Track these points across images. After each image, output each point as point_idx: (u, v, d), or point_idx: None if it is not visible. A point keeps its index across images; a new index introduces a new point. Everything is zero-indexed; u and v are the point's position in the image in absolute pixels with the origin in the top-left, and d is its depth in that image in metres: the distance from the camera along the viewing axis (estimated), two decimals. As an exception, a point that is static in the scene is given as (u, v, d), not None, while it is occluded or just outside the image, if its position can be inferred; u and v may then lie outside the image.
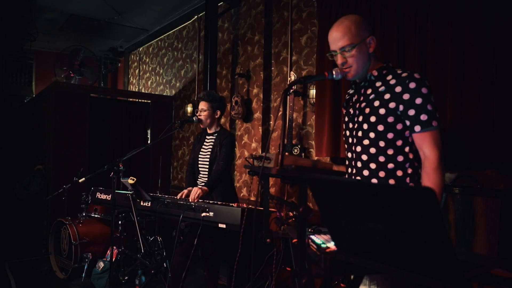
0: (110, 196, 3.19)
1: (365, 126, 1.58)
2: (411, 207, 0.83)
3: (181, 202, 2.64)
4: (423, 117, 1.46)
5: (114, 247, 3.31)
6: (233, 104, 4.29)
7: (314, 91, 3.34)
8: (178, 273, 2.68)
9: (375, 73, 1.61)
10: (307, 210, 1.23)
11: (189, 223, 2.74)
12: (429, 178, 1.44)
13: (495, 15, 2.17)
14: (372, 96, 1.58)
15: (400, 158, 1.54)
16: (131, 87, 7.58)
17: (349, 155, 1.69)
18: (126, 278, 3.57)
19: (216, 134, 2.90)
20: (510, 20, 2.11)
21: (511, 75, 2.11)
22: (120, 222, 3.70)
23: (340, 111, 3.06)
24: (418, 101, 1.46)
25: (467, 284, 0.80)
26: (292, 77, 3.59)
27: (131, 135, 5.51)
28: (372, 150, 1.57)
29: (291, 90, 3.38)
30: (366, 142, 1.59)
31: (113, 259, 3.08)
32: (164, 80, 6.27)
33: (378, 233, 0.92)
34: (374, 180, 1.57)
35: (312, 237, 1.29)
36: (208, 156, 2.86)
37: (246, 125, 4.36)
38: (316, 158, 3.32)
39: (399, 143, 1.54)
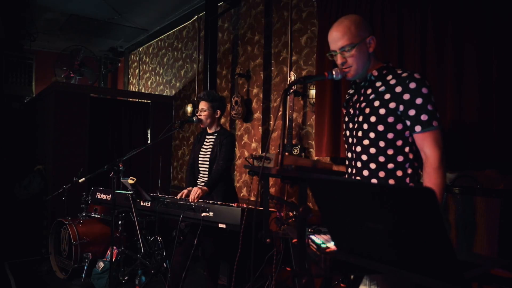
0: (110, 196, 3.19)
1: (365, 126, 1.58)
2: (411, 207, 0.83)
3: (181, 202, 2.64)
4: (424, 117, 1.46)
5: (114, 247, 3.31)
6: (233, 104, 4.29)
7: (314, 91, 3.34)
8: (178, 273, 2.68)
9: (375, 73, 1.61)
10: (307, 210, 1.23)
11: (189, 223, 2.74)
12: (430, 178, 1.44)
13: (495, 15, 2.17)
14: (372, 96, 1.58)
15: (400, 158, 1.54)
16: (131, 87, 7.58)
17: (349, 155, 1.69)
18: (126, 278, 3.57)
19: (216, 134, 2.90)
20: (510, 20, 2.11)
21: (511, 75, 2.11)
22: (120, 222, 3.70)
23: (340, 111, 3.06)
24: (419, 101, 1.46)
25: (467, 284, 0.80)
26: (292, 77, 3.59)
27: (131, 135, 5.51)
28: (372, 150, 1.57)
29: (291, 90, 3.38)
30: (366, 142, 1.59)
31: (113, 259, 3.08)
32: (164, 80, 6.27)
33: (378, 233, 0.92)
34: (374, 180, 1.57)
35: (312, 237, 1.29)
36: (208, 156, 2.86)
37: (246, 125, 4.36)
38: (316, 158, 3.32)
39: (399, 143, 1.53)
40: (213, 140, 2.89)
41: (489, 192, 1.92)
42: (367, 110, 1.57)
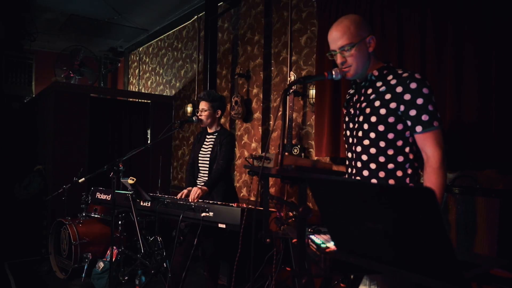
0: (110, 196, 3.19)
1: (366, 126, 1.58)
2: (411, 207, 0.83)
3: (181, 202, 2.64)
4: (425, 117, 1.46)
5: (114, 247, 3.31)
6: (233, 104, 4.29)
7: (314, 91, 3.34)
8: (178, 273, 2.69)
9: (375, 73, 1.61)
10: (307, 210, 1.23)
11: (189, 223, 2.74)
12: (430, 178, 1.44)
13: (495, 15, 2.17)
14: (372, 96, 1.58)
15: (400, 159, 1.54)
16: (131, 87, 7.58)
17: (349, 155, 1.69)
18: (126, 278, 3.57)
19: (216, 134, 2.90)
20: (509, 20, 2.11)
21: (510, 75, 2.12)
22: (120, 222, 3.70)
23: (340, 111, 3.06)
24: (419, 101, 1.46)
25: (467, 284, 0.80)
26: (292, 77, 3.59)
27: (131, 135, 5.51)
28: (372, 150, 1.57)
29: (291, 90, 3.38)
30: (366, 142, 1.59)
31: (113, 259, 3.08)
32: (164, 80, 6.27)
33: (378, 233, 0.93)
34: (374, 180, 1.57)
35: (312, 237, 1.29)
36: (208, 156, 2.86)
37: (246, 125, 4.36)
38: (316, 158, 3.32)
39: (400, 143, 1.54)
40: (213, 139, 2.89)
41: (488, 192, 1.92)
42: (368, 110, 1.57)
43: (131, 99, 5.87)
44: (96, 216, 3.92)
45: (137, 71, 7.31)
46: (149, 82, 6.83)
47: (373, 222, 0.92)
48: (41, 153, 5.18)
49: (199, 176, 2.93)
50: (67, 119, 4.75)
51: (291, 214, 2.64)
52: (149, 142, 5.48)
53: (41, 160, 5.10)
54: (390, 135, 1.53)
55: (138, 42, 7.01)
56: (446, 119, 2.33)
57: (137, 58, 7.31)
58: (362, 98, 1.63)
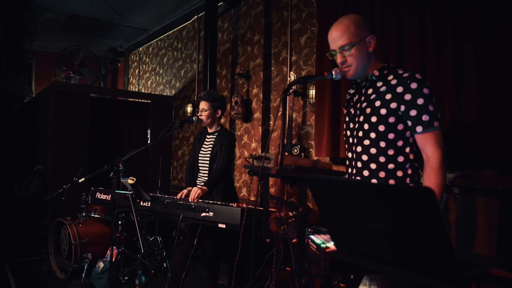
0: (110, 196, 3.19)
1: (366, 126, 1.58)
2: (411, 207, 0.83)
3: (181, 202, 2.64)
4: (425, 117, 1.46)
5: (114, 247, 3.31)
6: (233, 104, 4.29)
7: (314, 91, 3.34)
8: (178, 273, 2.69)
9: (376, 73, 1.61)
10: (307, 210, 1.23)
11: (189, 223, 2.74)
12: (430, 178, 1.44)
13: (494, 15, 2.17)
14: (373, 96, 1.58)
15: (400, 159, 1.54)
16: (131, 87, 7.58)
17: (350, 155, 1.69)
18: (126, 278, 3.57)
19: (216, 134, 2.90)
20: (509, 20, 2.12)
21: (510, 75, 2.12)
22: (120, 222, 3.70)
23: (340, 111, 3.06)
24: (420, 101, 1.46)
25: (467, 284, 0.81)
26: (292, 77, 3.59)
27: (131, 135, 5.51)
28: (373, 150, 1.57)
29: (291, 90, 3.38)
30: (366, 142, 1.59)
31: (113, 259, 3.08)
32: (164, 80, 6.27)
33: (378, 233, 0.93)
34: (374, 181, 1.57)
35: (312, 237, 1.29)
36: (208, 155, 2.86)
37: (246, 125, 4.36)
38: (315, 158, 3.32)
39: (400, 143, 1.53)
40: (213, 139, 2.89)
41: (488, 192, 1.92)
42: (368, 110, 1.57)
43: (131, 99, 5.87)
44: (96, 216, 3.92)
45: (137, 71, 7.31)
46: (149, 82, 6.83)
47: (373, 222, 0.92)
48: (41, 153, 5.18)
49: (199, 176, 2.93)
50: (67, 119, 4.75)
51: (291, 214, 2.64)
52: (149, 142, 5.48)
53: (41, 160, 5.10)
54: (391, 135, 1.53)
55: (138, 42, 7.01)
56: (446, 119, 2.33)
57: (137, 58, 7.31)
58: (363, 98, 1.63)
